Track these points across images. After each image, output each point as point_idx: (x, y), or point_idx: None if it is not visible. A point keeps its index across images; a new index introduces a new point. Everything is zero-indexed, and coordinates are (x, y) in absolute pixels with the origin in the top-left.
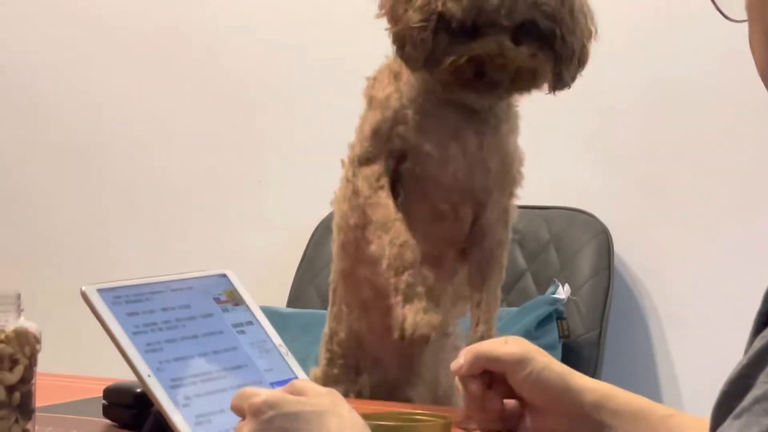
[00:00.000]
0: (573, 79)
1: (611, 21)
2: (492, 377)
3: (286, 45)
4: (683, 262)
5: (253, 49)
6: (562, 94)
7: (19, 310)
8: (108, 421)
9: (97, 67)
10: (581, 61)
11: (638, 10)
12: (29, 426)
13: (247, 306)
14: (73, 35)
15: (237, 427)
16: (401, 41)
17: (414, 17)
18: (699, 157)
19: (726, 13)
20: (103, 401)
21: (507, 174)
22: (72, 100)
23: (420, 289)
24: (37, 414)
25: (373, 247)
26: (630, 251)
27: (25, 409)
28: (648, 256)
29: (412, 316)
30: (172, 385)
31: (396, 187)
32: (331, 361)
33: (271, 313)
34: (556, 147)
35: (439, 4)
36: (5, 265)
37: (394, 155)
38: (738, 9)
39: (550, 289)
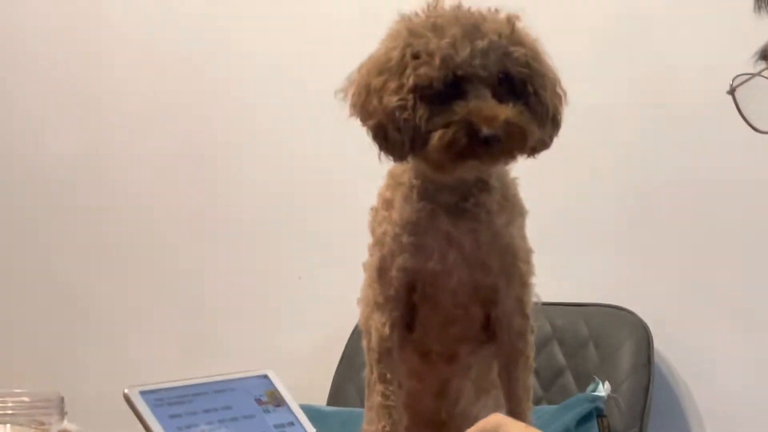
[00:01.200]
0: (551, 139)
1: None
2: None
3: (332, 133)
4: (726, 360)
5: (290, 140)
6: (600, 188)
7: (63, 413)
8: None
9: (146, 179)
10: (555, 122)
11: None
12: None
13: (289, 407)
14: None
15: None
16: (382, 132)
17: (392, 100)
18: (743, 250)
19: (755, 126)
20: None
21: (512, 267)
22: (108, 193)
23: None
24: None
25: (366, 428)
26: (670, 347)
27: None
28: (689, 352)
29: None
30: None
31: (411, 320)
32: None
33: (311, 411)
34: (591, 242)
35: (412, 76)
36: (49, 367)
37: (401, 295)
38: (766, 122)
39: (591, 387)
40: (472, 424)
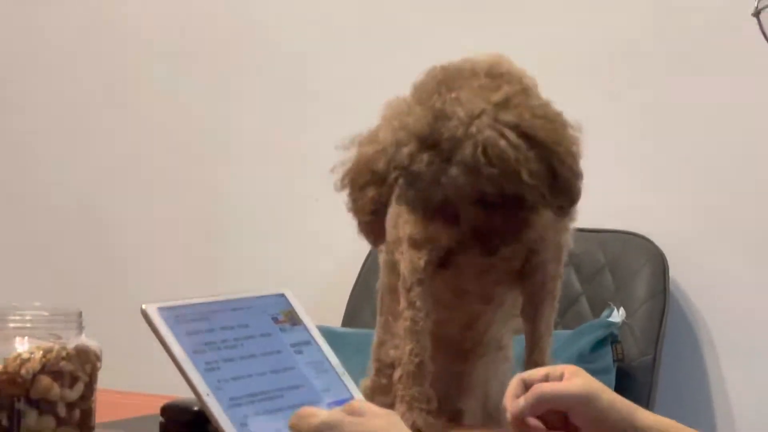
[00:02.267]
0: (568, 203)
1: (684, 40)
2: None
3: (350, 59)
4: (740, 288)
5: (316, 63)
6: (620, 116)
7: (81, 328)
8: None
9: (149, 76)
10: (562, 186)
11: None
12: None
13: (305, 326)
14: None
15: None
16: (356, 219)
17: (365, 207)
18: (761, 179)
19: None
20: (161, 419)
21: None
22: (125, 114)
23: (423, 405)
24: (96, 430)
25: (392, 352)
26: (686, 275)
27: (84, 426)
28: (704, 280)
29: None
30: (231, 405)
31: (446, 258)
32: (379, 371)
33: (326, 333)
34: (611, 169)
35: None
36: (67, 282)
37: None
38: None
39: (605, 313)
40: (498, 347)
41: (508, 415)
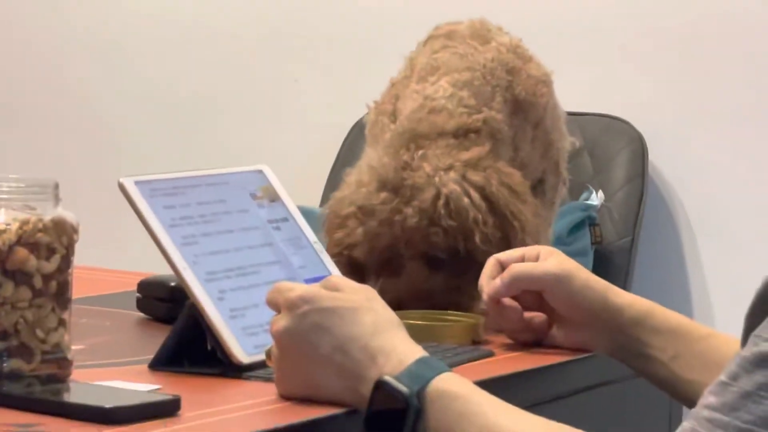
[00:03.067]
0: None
1: None
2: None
3: None
4: (718, 172)
5: None
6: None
7: (57, 200)
8: (142, 315)
9: None
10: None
11: None
12: (65, 315)
13: (283, 203)
14: None
15: (272, 321)
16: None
17: (330, 250)
18: (739, 66)
19: None
20: (138, 294)
21: (551, 149)
22: None
23: None
24: (72, 305)
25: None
26: (665, 159)
27: (61, 298)
28: (682, 164)
29: None
30: (207, 279)
31: None
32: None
33: (304, 212)
34: (591, 52)
35: (348, 250)
36: (44, 156)
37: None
38: None
39: (584, 195)
40: None
41: (484, 296)
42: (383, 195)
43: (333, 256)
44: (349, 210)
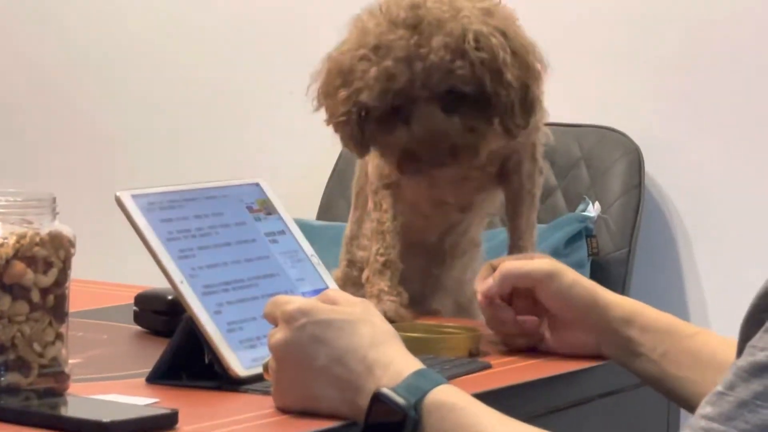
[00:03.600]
0: (524, 125)
1: None
2: (514, 293)
3: None
4: (714, 182)
5: None
6: (596, 10)
7: (54, 213)
8: (139, 328)
9: None
10: (528, 107)
11: None
12: (62, 329)
13: (280, 215)
14: None
15: (269, 334)
16: (336, 131)
17: (337, 110)
18: (735, 74)
19: None
20: (135, 308)
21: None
22: (109, 9)
23: (392, 297)
24: (69, 319)
25: (361, 254)
26: (661, 170)
27: (58, 312)
28: (679, 174)
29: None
30: (205, 292)
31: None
32: (351, 263)
33: (301, 225)
34: (587, 63)
35: (356, 96)
36: (41, 171)
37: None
38: None
39: (581, 207)
40: (476, 245)
41: (478, 295)
42: (400, 32)
43: (341, 116)
44: (360, 53)
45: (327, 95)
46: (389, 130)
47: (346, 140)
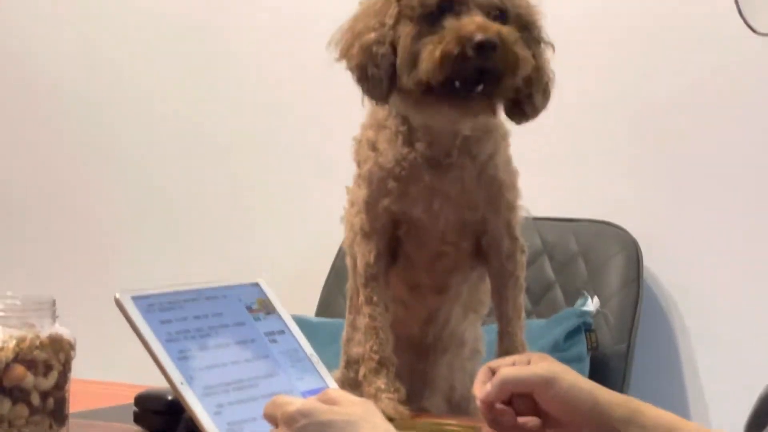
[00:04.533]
0: (543, 106)
1: (642, 26)
2: (513, 394)
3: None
4: (713, 277)
5: (285, 60)
6: (593, 104)
7: (54, 317)
8: (139, 428)
9: (126, 73)
10: (547, 92)
11: (674, 14)
12: (63, 431)
13: (279, 315)
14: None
15: None
16: (362, 71)
17: (370, 36)
18: (734, 170)
19: (755, 28)
20: (135, 408)
21: (499, 197)
22: (102, 103)
23: (390, 395)
24: (70, 420)
25: (356, 350)
26: (659, 264)
27: (58, 414)
28: (678, 269)
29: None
30: (205, 393)
31: (396, 250)
32: (348, 365)
33: (300, 322)
34: (584, 158)
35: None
36: (41, 271)
37: (387, 229)
38: (765, 22)
39: (579, 302)
40: (459, 344)
41: (478, 402)
42: None
43: (366, 56)
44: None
45: (353, 37)
46: (433, 29)
47: (375, 69)
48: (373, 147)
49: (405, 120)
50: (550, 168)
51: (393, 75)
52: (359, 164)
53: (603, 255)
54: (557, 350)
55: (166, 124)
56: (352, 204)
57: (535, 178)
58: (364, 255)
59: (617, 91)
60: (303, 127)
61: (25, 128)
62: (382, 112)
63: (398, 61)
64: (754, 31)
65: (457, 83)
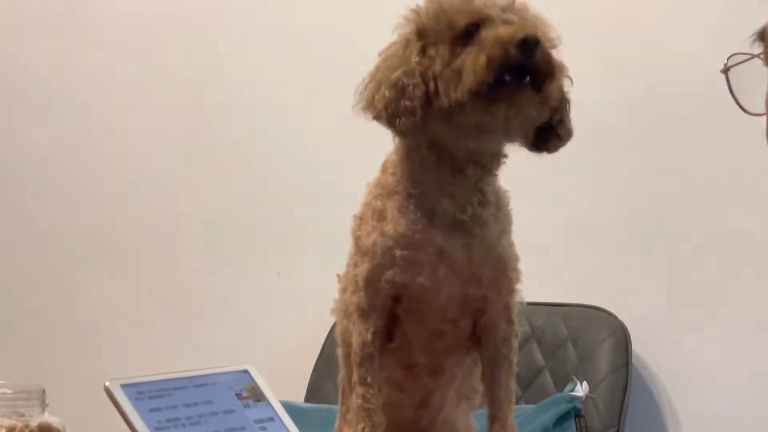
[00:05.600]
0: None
1: (616, 94)
2: None
3: (315, 133)
4: (703, 361)
5: (276, 140)
6: (584, 194)
7: (44, 405)
8: None
9: (118, 166)
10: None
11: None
12: None
13: (269, 402)
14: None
15: None
16: (391, 108)
17: (396, 73)
18: (721, 254)
19: (745, 107)
20: None
21: (501, 277)
22: (89, 189)
23: None
24: None
25: (345, 430)
26: (648, 349)
27: None
28: (667, 354)
29: None
30: None
31: (392, 330)
32: None
33: (289, 408)
34: (572, 243)
35: (421, 32)
36: (30, 360)
37: (386, 306)
38: (757, 104)
39: (569, 387)
40: (452, 430)
41: None
42: None
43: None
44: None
45: (378, 85)
46: (467, 47)
47: (404, 108)
48: (380, 216)
49: (418, 182)
50: (538, 253)
51: (425, 104)
52: (358, 240)
53: (592, 340)
54: None
55: (152, 210)
56: (345, 289)
57: (524, 261)
58: (360, 334)
59: (605, 176)
60: (292, 207)
61: (11, 209)
62: (392, 178)
63: (437, 82)
64: (744, 110)
65: (507, 77)
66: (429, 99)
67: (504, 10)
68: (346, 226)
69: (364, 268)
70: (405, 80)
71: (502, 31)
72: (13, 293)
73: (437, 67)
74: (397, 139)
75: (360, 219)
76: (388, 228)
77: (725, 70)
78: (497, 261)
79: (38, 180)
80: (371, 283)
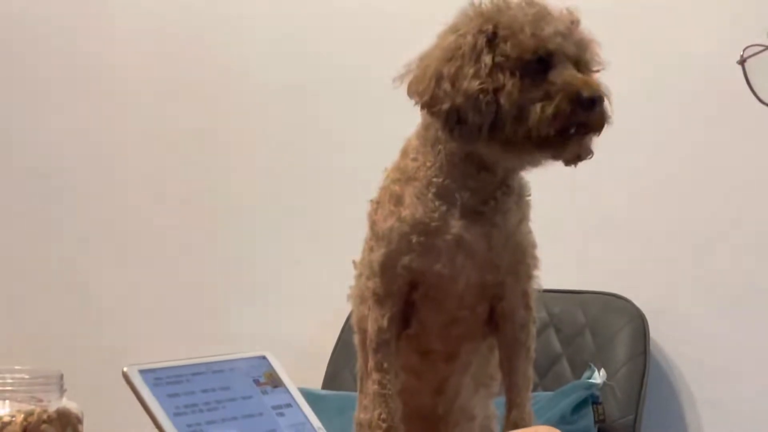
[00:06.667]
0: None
1: (650, 91)
2: None
3: (334, 119)
4: (720, 348)
5: (295, 126)
6: (595, 178)
7: (62, 390)
8: None
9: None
10: None
11: (682, 83)
12: None
13: (287, 388)
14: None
15: None
16: (456, 116)
17: (472, 84)
18: (739, 240)
19: (762, 98)
20: None
21: (520, 264)
22: (108, 174)
23: None
24: None
25: (362, 415)
26: (666, 336)
27: None
28: (684, 341)
29: None
30: None
31: (408, 316)
32: None
33: (306, 395)
34: (591, 231)
35: (494, 56)
36: (48, 346)
37: (402, 292)
38: None
39: (587, 374)
40: (469, 418)
41: None
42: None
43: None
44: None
45: (441, 79)
46: (537, 83)
47: (477, 116)
48: (398, 201)
49: (441, 171)
50: (556, 240)
51: (493, 122)
52: (374, 224)
53: (610, 327)
54: (564, 423)
55: (168, 195)
56: (360, 276)
57: (542, 249)
58: (376, 320)
59: (622, 162)
60: (307, 193)
61: (30, 196)
62: (412, 164)
63: (503, 112)
64: (761, 101)
65: (572, 130)
66: (493, 121)
67: (565, 37)
68: (364, 213)
69: (380, 253)
70: (481, 96)
71: (570, 82)
72: (28, 279)
73: (505, 96)
74: (421, 124)
75: (377, 203)
76: (406, 213)
77: (741, 61)
78: (516, 248)
79: (55, 168)
80: (387, 268)
